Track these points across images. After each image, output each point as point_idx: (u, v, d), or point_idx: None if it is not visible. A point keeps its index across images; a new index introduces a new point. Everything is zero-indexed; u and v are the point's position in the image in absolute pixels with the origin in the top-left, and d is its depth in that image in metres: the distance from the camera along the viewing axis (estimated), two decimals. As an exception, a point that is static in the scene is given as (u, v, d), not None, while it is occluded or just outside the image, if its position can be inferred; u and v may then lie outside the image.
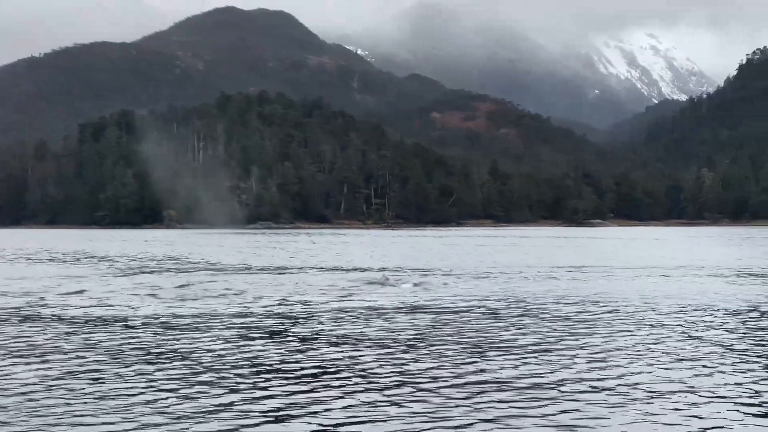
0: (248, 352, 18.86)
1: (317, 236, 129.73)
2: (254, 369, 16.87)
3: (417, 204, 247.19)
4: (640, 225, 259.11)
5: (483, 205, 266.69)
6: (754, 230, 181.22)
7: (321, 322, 23.73)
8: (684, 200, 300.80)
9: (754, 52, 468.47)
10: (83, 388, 14.93)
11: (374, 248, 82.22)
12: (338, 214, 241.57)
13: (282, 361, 17.71)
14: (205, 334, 21.44)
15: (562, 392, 14.66)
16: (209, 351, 18.92)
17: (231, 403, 13.91)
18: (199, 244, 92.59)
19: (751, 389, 15.02)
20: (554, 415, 13.24)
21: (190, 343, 19.95)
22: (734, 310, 26.70)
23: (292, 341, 20.30)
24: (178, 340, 20.54)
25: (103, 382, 15.43)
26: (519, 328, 22.36)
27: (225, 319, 24.46)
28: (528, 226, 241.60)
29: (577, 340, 20.39)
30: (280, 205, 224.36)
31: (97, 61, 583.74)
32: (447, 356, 18.27)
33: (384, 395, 14.49)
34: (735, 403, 14.03)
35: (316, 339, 20.66)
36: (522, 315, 25.34)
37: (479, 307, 27.37)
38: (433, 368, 16.88)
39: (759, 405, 13.90)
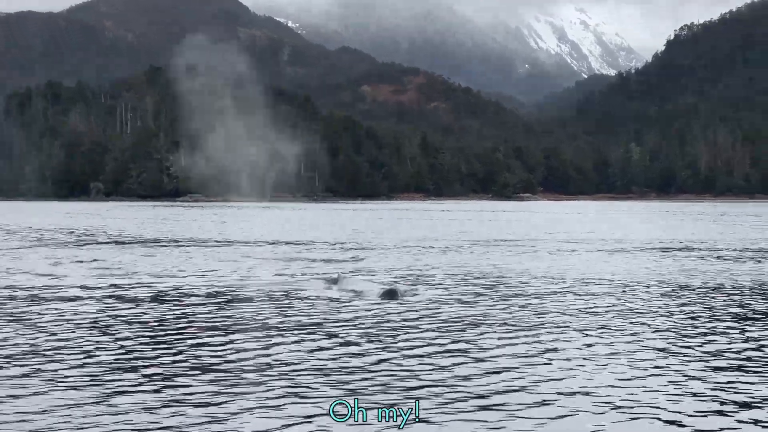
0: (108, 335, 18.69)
1: (236, 209, 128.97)
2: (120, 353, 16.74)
3: (347, 177, 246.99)
4: (569, 199, 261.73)
5: (414, 178, 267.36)
6: (676, 204, 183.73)
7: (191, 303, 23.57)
8: (612, 174, 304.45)
9: (681, 28, 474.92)
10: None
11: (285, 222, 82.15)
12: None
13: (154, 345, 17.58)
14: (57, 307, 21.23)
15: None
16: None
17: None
18: (110, 217, 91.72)
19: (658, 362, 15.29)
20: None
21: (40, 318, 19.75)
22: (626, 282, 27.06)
23: (156, 325, 20.10)
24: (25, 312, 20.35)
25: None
26: (419, 308, 22.38)
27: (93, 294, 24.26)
28: (459, 199, 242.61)
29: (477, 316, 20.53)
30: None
31: (23, 31, 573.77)
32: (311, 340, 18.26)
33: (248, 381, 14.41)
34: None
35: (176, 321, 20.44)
36: (426, 290, 25.36)
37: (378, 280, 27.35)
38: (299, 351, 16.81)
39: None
